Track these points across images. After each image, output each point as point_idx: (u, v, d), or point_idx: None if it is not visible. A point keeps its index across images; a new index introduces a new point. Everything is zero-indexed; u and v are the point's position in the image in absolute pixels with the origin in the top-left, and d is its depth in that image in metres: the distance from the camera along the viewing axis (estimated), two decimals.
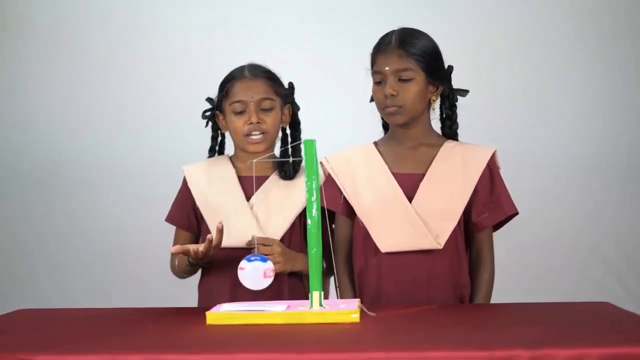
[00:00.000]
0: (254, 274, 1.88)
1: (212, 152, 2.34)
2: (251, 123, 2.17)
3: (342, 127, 3.38)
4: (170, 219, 2.31)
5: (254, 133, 2.18)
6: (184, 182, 2.29)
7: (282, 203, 2.19)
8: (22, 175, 3.83)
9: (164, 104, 3.76)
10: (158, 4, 3.84)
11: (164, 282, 3.39)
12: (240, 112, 2.19)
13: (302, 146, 1.79)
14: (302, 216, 2.18)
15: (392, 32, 2.15)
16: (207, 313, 1.73)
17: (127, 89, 3.79)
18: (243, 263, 1.89)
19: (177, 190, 2.32)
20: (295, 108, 2.30)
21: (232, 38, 3.70)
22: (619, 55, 3.77)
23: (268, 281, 1.89)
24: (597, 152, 3.76)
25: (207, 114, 2.30)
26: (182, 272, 2.23)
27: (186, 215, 2.28)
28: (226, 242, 2.17)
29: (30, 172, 3.82)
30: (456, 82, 2.22)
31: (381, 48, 2.13)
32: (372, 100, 2.19)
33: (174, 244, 2.24)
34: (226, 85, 2.23)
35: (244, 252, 2.12)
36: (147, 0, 3.84)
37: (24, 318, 1.94)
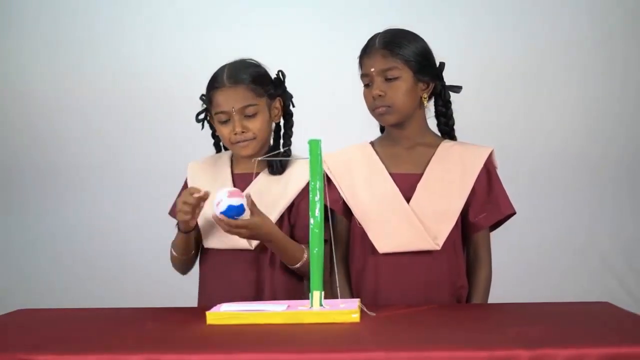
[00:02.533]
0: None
1: (217, 147, 2.34)
2: (236, 133, 2.15)
3: (344, 126, 3.38)
4: (173, 212, 2.25)
5: (240, 141, 2.16)
6: (186, 182, 2.29)
7: (267, 202, 2.17)
8: (21, 176, 3.83)
9: (167, 103, 3.76)
10: (161, 3, 3.84)
11: (164, 282, 3.38)
12: (226, 122, 2.17)
13: (307, 146, 1.79)
14: (289, 213, 2.18)
15: (377, 34, 2.14)
16: (207, 313, 1.73)
17: (130, 89, 3.79)
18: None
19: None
20: (286, 99, 2.26)
21: (236, 36, 3.70)
22: (621, 56, 3.77)
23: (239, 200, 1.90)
24: (597, 152, 3.77)
25: (201, 116, 2.27)
26: (178, 255, 2.18)
27: None
28: (216, 244, 2.19)
29: (30, 173, 3.82)
30: (455, 82, 2.21)
31: (366, 51, 2.13)
32: None
33: (176, 237, 2.20)
34: (209, 94, 2.20)
35: (236, 253, 2.16)
36: None
37: (24, 318, 1.94)
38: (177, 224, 2.12)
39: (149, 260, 3.69)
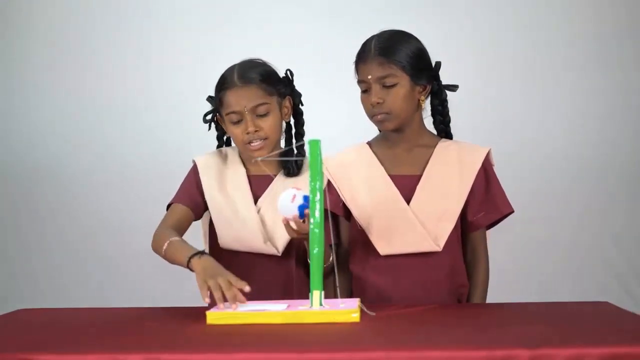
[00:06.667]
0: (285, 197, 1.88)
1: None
2: (248, 132, 2.13)
3: (346, 125, 3.37)
4: (175, 199, 2.21)
5: (253, 141, 2.15)
6: (194, 171, 2.24)
7: None
8: (21, 176, 3.82)
9: (168, 104, 3.75)
10: (161, 2, 3.83)
11: (163, 282, 3.38)
12: (237, 122, 2.15)
13: (307, 146, 1.79)
14: None
15: (371, 38, 2.12)
16: (207, 313, 1.74)
17: (131, 89, 3.79)
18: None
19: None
20: (295, 97, 2.25)
21: (238, 35, 3.69)
22: (617, 55, 3.76)
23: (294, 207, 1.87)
24: (597, 151, 3.76)
25: (208, 117, 2.25)
26: (167, 259, 2.08)
27: (192, 196, 2.20)
28: (231, 245, 2.17)
29: (31, 173, 3.82)
30: (453, 81, 2.20)
31: (362, 57, 2.11)
32: None
33: (168, 217, 2.15)
34: (219, 94, 2.18)
35: (248, 255, 2.15)
36: None
37: (24, 318, 1.94)
38: (191, 256, 1.92)
39: (149, 260, 3.68)
